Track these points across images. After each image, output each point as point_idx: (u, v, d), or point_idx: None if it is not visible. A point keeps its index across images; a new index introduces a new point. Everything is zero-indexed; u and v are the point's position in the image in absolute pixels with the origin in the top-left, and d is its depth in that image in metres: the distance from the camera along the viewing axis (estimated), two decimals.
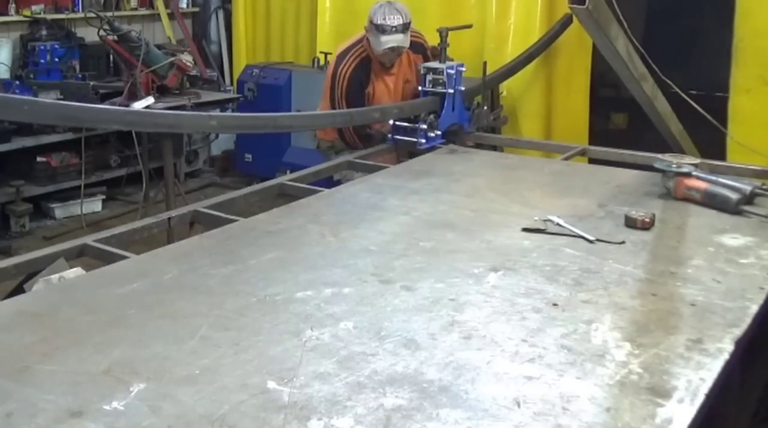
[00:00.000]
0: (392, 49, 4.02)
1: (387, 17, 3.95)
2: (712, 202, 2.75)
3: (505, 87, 5.28)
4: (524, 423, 1.46)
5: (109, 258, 2.35)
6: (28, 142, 5.87)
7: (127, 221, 3.28)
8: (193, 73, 5.98)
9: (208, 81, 6.69)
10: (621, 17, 4.19)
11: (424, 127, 3.77)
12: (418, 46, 4.27)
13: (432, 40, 4.28)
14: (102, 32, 5.08)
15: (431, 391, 1.56)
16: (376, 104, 4.15)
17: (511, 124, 5.30)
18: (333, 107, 4.16)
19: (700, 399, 1.54)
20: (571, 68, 5.40)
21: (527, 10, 5.38)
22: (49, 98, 5.82)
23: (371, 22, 4.01)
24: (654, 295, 2.05)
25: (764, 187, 2.87)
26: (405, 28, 4.00)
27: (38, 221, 6.06)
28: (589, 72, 5.36)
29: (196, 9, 7.73)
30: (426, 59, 4.24)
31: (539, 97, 5.49)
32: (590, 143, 5.00)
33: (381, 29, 3.96)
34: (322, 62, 6.41)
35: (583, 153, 3.92)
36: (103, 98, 5.32)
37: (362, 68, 4.12)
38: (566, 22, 5.13)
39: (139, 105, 4.65)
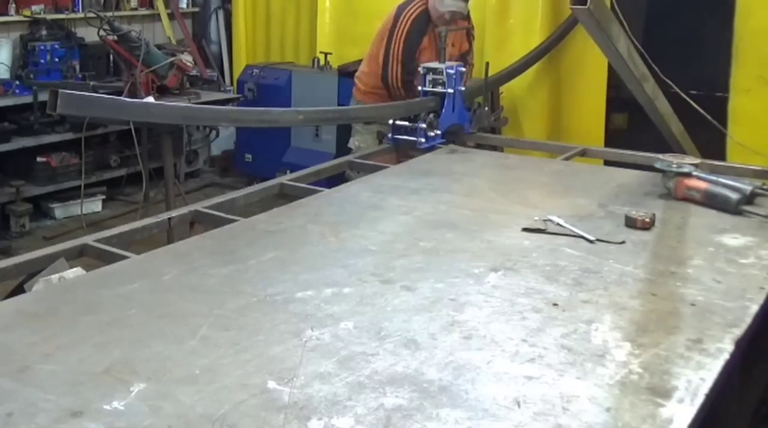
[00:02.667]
0: (453, 13, 4.42)
1: None
2: (712, 201, 2.75)
3: (507, 88, 5.27)
4: (524, 423, 1.46)
5: (109, 258, 2.35)
6: (28, 142, 5.86)
7: (127, 221, 3.27)
8: (193, 73, 5.98)
9: (208, 81, 6.68)
10: (621, 17, 4.19)
11: (424, 126, 3.77)
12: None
13: None
14: (102, 32, 5.08)
15: (431, 391, 1.55)
16: (424, 56, 4.45)
17: (517, 127, 5.29)
18: (388, 47, 4.47)
19: (700, 399, 1.54)
20: (585, 66, 5.30)
21: (528, 10, 5.36)
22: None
23: None
24: (654, 295, 2.05)
25: (764, 187, 2.87)
26: None
27: (38, 221, 6.05)
28: (606, 69, 5.24)
29: (196, 9, 7.72)
30: (468, 30, 4.70)
31: (547, 96, 5.43)
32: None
33: None
34: (322, 62, 6.41)
35: (583, 153, 3.91)
36: None
37: (423, 18, 4.47)
38: (572, 22, 5.11)
39: None
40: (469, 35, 4.74)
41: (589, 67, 5.30)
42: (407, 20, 4.45)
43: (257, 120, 3.61)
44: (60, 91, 2.45)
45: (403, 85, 4.42)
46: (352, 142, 4.64)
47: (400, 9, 4.53)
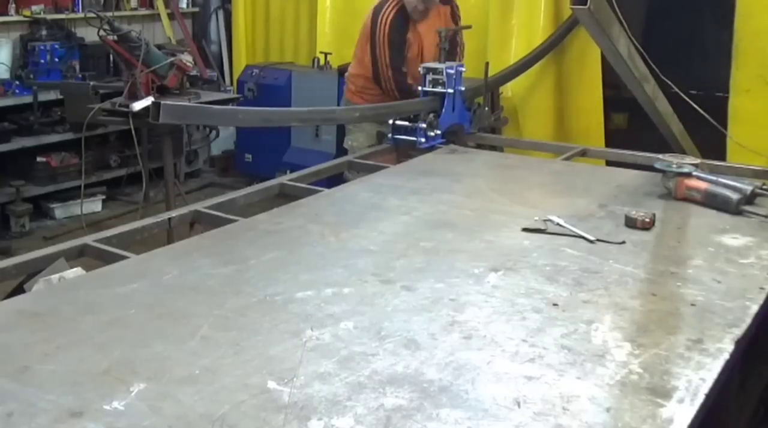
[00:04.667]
0: (424, 1, 4.37)
1: None
2: (712, 202, 2.75)
3: (507, 88, 5.27)
4: (524, 423, 1.46)
5: (109, 258, 2.35)
6: (28, 142, 5.87)
7: (127, 221, 3.27)
8: (193, 73, 5.97)
9: (208, 81, 6.68)
10: (621, 17, 4.20)
11: (424, 126, 3.77)
12: None
13: None
14: (102, 32, 5.07)
15: (431, 391, 1.55)
16: (412, 51, 4.47)
17: (517, 127, 5.28)
18: (373, 52, 4.45)
19: (700, 399, 1.54)
20: (583, 66, 5.32)
21: (530, 10, 5.36)
22: (48, 98, 5.88)
23: None
24: (654, 295, 2.05)
25: (764, 187, 2.87)
26: None
27: (38, 221, 6.05)
28: (600, 70, 5.28)
29: (196, 9, 7.73)
30: (453, 11, 4.62)
31: (547, 96, 5.44)
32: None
33: None
34: (322, 62, 6.41)
35: (583, 153, 3.92)
36: (103, 98, 5.31)
37: (401, 16, 4.43)
38: (572, 23, 5.11)
39: (138, 105, 4.64)
40: (455, 15, 4.66)
41: (586, 67, 5.30)
42: (385, 24, 4.38)
43: (323, 119, 4.15)
44: (162, 102, 2.69)
45: (397, 85, 4.40)
46: (347, 142, 4.67)
47: (376, 12, 4.48)
